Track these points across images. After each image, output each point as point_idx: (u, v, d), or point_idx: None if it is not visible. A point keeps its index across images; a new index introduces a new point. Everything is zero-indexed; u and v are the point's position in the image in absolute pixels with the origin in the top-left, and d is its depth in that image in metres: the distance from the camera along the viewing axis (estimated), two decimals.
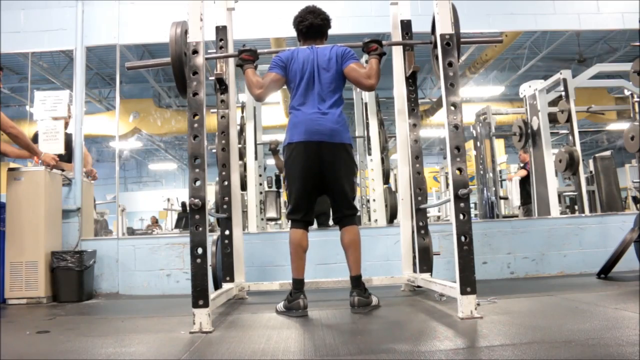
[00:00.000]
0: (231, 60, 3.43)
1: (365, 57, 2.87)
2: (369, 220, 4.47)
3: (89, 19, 4.43)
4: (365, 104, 4.62)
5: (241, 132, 4.57)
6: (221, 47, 3.33)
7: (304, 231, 2.74)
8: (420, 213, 3.31)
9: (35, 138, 4.04)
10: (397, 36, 3.47)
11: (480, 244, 4.12)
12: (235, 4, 3.51)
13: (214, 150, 3.51)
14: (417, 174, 3.34)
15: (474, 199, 5.88)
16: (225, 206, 3.28)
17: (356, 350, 1.77)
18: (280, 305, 2.70)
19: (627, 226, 3.78)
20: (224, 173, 3.30)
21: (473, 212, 5.84)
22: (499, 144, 8.02)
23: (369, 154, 4.50)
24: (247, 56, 2.77)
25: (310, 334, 2.12)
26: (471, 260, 2.30)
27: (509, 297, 2.94)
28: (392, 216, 4.37)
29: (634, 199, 7.33)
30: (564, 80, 4.93)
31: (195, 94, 2.40)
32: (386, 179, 4.58)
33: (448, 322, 2.22)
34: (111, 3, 4.45)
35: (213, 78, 3.30)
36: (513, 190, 6.60)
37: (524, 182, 6.27)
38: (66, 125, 4.11)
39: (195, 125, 2.35)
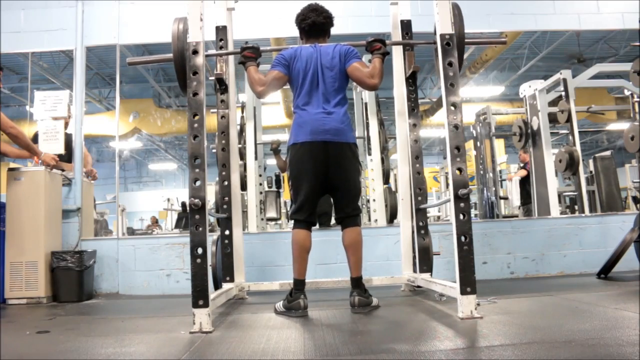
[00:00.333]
0: (231, 60, 3.43)
1: (367, 55, 2.86)
2: (369, 220, 4.47)
3: (89, 19, 4.43)
4: (366, 104, 4.62)
5: (241, 132, 4.57)
6: (221, 47, 3.33)
7: (308, 232, 2.73)
8: (420, 213, 3.31)
9: (35, 138, 4.04)
10: (397, 36, 3.47)
11: (480, 244, 4.12)
12: (235, 4, 3.51)
13: (214, 150, 3.50)
14: (417, 174, 3.34)
15: (474, 198, 5.88)
16: (225, 206, 3.28)
17: (356, 350, 1.77)
18: (280, 305, 2.70)
19: (627, 226, 3.78)
20: (224, 173, 3.30)
21: (473, 212, 5.84)
22: (499, 144, 8.02)
23: (369, 154, 4.50)
24: (250, 53, 2.76)
25: (311, 334, 2.12)
26: (471, 260, 2.30)
27: (509, 297, 2.94)
28: (392, 216, 4.37)
29: (634, 199, 7.32)
30: (564, 80, 4.93)
31: (195, 94, 2.40)
32: (386, 179, 4.58)
33: (448, 322, 2.22)
34: (111, 3, 4.45)
35: (213, 78, 3.29)
36: (513, 190, 6.59)
37: (524, 182, 6.27)
38: (66, 125, 4.11)
39: (195, 125, 2.35)
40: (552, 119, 5.10)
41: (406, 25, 3.41)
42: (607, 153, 5.89)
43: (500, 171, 6.81)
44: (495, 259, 4.18)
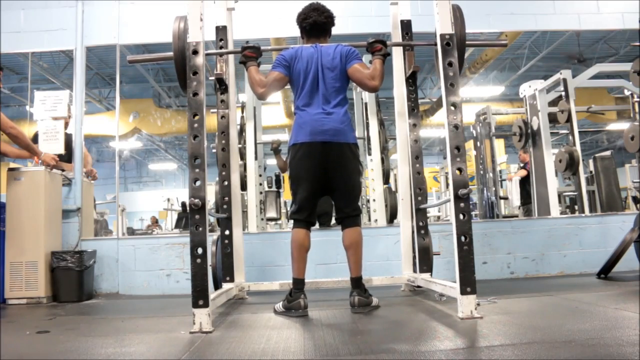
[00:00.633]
0: (231, 60, 3.43)
1: (367, 56, 2.86)
2: (369, 220, 4.47)
3: (89, 19, 4.43)
4: (366, 104, 4.62)
5: (241, 132, 4.57)
6: (221, 47, 3.33)
7: (307, 231, 2.74)
8: (420, 213, 3.31)
9: (35, 138, 4.04)
10: (397, 36, 3.47)
11: (480, 244, 4.12)
12: (235, 4, 3.51)
13: (214, 150, 3.50)
14: (417, 174, 3.34)
15: (474, 198, 5.88)
16: (225, 206, 3.28)
17: (356, 350, 1.77)
18: (279, 305, 2.70)
19: (627, 226, 3.78)
20: (224, 173, 3.30)
21: (473, 213, 5.84)
22: (499, 144, 8.01)
23: (369, 154, 4.50)
24: (250, 53, 2.76)
25: (310, 334, 2.12)
26: (471, 260, 2.30)
27: (509, 297, 2.94)
28: (392, 216, 4.37)
29: (634, 199, 7.32)
30: (564, 80, 4.93)
31: (195, 94, 2.40)
32: (386, 179, 4.58)
33: (448, 322, 2.22)
34: (111, 3, 4.45)
35: (213, 78, 3.29)
36: (513, 190, 6.59)
37: (524, 182, 6.27)
38: (66, 125, 4.11)
39: (195, 125, 2.35)
40: (552, 119, 5.10)
41: (406, 26, 3.41)
42: (607, 153, 5.89)
43: (500, 171, 6.81)
44: (495, 259, 4.18)
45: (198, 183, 2.31)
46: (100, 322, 2.81)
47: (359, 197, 2.90)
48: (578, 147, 4.84)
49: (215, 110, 3.40)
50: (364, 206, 4.93)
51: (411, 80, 3.39)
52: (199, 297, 2.23)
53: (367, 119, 4.57)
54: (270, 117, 7.49)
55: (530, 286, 3.62)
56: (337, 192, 2.77)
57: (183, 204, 2.41)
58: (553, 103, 5.20)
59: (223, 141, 3.33)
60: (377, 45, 2.75)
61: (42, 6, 4.42)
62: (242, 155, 4.38)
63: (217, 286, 3.25)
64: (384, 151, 4.58)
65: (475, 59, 6.98)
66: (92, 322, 2.85)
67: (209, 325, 2.21)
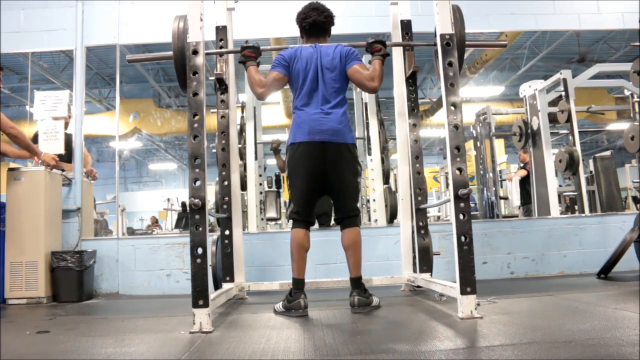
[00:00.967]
0: (231, 60, 3.43)
1: (367, 56, 2.86)
2: (369, 220, 4.47)
3: (89, 19, 4.43)
4: (366, 104, 4.62)
5: (241, 132, 4.57)
6: (221, 47, 3.33)
7: (306, 231, 2.74)
8: (420, 213, 3.31)
9: (35, 138, 4.04)
10: (397, 36, 3.47)
11: (480, 244, 4.12)
12: (235, 4, 3.51)
13: (214, 150, 3.50)
14: (417, 174, 3.34)
15: (474, 198, 5.87)
16: (225, 206, 3.28)
17: (356, 350, 1.77)
18: (279, 306, 2.70)
19: (627, 226, 3.78)
20: (224, 173, 3.30)
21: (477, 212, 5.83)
22: (499, 144, 8.02)
23: (369, 154, 4.50)
24: (250, 53, 2.76)
25: (310, 334, 2.12)
26: (471, 260, 2.30)
27: (509, 297, 2.94)
28: (392, 216, 4.37)
29: (634, 199, 7.33)
30: (564, 80, 4.93)
31: (195, 94, 2.40)
32: (386, 179, 4.58)
33: (448, 322, 2.22)
34: (111, 3, 4.45)
35: (213, 78, 3.29)
36: (513, 190, 6.59)
37: (524, 182, 6.26)
38: (66, 125, 4.11)
39: (195, 125, 2.35)
40: (552, 119, 5.10)
41: (406, 26, 3.41)
42: (607, 153, 5.88)
43: (500, 171, 6.81)
44: (495, 259, 4.18)
45: (198, 183, 2.31)
46: (100, 322, 2.81)
47: (358, 197, 2.90)
48: (578, 147, 4.84)
49: (215, 110, 3.40)
50: (364, 206, 4.93)
51: (411, 80, 3.39)
52: (199, 297, 2.23)
53: (367, 119, 4.57)
54: (270, 117, 7.49)
55: (530, 286, 3.62)
56: (335, 193, 2.77)
57: (183, 204, 2.41)
58: (553, 103, 5.20)
59: (223, 141, 3.33)
60: (377, 46, 2.75)
61: (42, 6, 4.42)
62: (242, 155, 4.38)
63: (217, 286, 3.25)
64: (384, 151, 4.58)
65: (475, 59, 6.98)
66: (92, 322, 2.85)
67: (209, 325, 2.21)
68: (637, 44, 3.99)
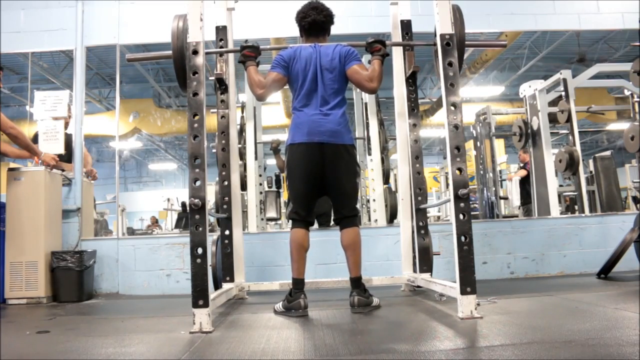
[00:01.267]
0: (231, 60, 3.43)
1: (367, 56, 2.86)
2: (369, 220, 4.47)
3: (89, 19, 4.43)
4: (366, 104, 4.62)
5: (241, 132, 4.57)
6: (221, 47, 3.33)
7: (306, 231, 2.74)
8: (420, 213, 3.31)
9: (35, 138, 4.04)
10: (397, 36, 3.47)
11: (480, 244, 4.12)
12: (235, 4, 3.51)
13: (214, 150, 3.50)
14: (417, 174, 3.34)
15: (476, 197, 5.87)
16: (225, 206, 3.28)
17: (356, 350, 1.77)
18: (279, 306, 2.70)
19: (627, 226, 3.78)
20: (224, 173, 3.30)
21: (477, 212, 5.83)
22: (499, 144, 8.01)
23: (369, 154, 4.50)
24: (249, 52, 2.76)
25: (310, 334, 2.12)
26: (471, 260, 2.30)
27: (509, 297, 2.94)
28: (392, 216, 4.37)
29: (634, 199, 7.32)
30: (564, 80, 4.93)
31: (195, 94, 2.40)
32: (386, 179, 4.58)
33: (448, 322, 2.22)
34: (111, 3, 4.45)
35: (213, 78, 3.29)
36: (513, 190, 6.59)
37: (524, 182, 6.27)
38: (66, 125, 4.11)
39: (195, 125, 2.35)
40: (552, 119, 5.10)
41: (406, 25, 3.41)
42: (607, 153, 5.88)
43: (500, 171, 6.81)
44: (495, 259, 4.18)
45: (198, 183, 2.31)
46: (100, 322, 2.81)
47: (357, 198, 2.91)
48: (578, 147, 4.84)
49: (215, 110, 3.40)
50: (364, 206, 4.93)
51: (411, 80, 3.39)
52: (199, 297, 2.23)
53: (367, 119, 4.57)
54: (270, 117, 7.49)
55: (530, 286, 3.62)
56: (334, 194, 2.77)
57: (183, 204, 2.41)
58: (553, 103, 5.20)
59: (223, 141, 3.33)
60: (376, 46, 2.75)
61: (42, 6, 4.42)
62: (242, 155, 4.38)
63: (217, 286, 3.25)
64: (384, 151, 4.58)
65: (475, 59, 6.97)
66: (92, 322, 2.85)
67: (209, 325, 2.21)
68: (637, 44, 3.99)
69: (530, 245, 4.21)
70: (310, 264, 2.78)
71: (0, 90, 3.79)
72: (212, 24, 3.33)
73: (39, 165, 3.79)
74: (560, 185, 5.83)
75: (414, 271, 3.37)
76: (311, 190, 2.75)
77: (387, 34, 3.85)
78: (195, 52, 2.43)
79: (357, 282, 2.71)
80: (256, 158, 4.59)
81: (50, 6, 4.42)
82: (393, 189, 4.82)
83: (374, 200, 4.32)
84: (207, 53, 2.61)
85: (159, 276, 4.11)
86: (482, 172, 5.80)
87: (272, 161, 5.59)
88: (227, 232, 3.28)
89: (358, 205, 2.89)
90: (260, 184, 5.04)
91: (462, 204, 2.35)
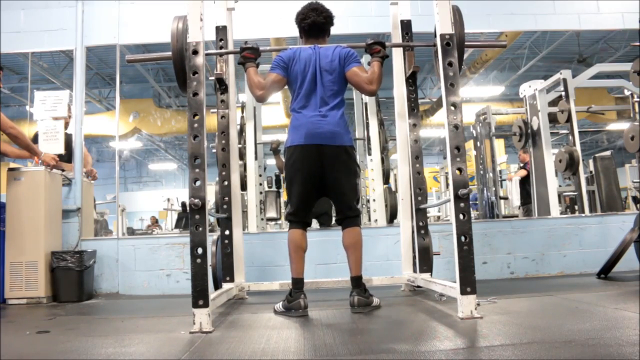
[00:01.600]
0: (231, 60, 3.43)
1: (367, 56, 2.86)
2: (369, 220, 4.47)
3: (89, 19, 4.43)
4: (365, 104, 4.62)
5: (241, 132, 4.57)
6: (221, 47, 3.33)
7: (303, 231, 2.75)
8: (420, 213, 3.31)
9: (35, 138, 4.04)
10: (397, 36, 3.47)
11: (480, 244, 4.12)
12: (235, 4, 3.51)
13: (214, 150, 3.50)
14: (417, 174, 3.34)
15: (476, 196, 5.87)
16: (225, 206, 3.28)
17: (356, 350, 1.77)
18: (279, 306, 2.70)
19: (627, 226, 3.78)
20: (224, 173, 3.30)
21: (475, 213, 5.84)
22: (499, 144, 8.02)
23: (369, 154, 4.50)
24: (249, 54, 2.75)
25: (310, 334, 2.12)
26: (471, 260, 2.30)
27: (509, 297, 2.94)
28: (392, 216, 4.37)
29: (634, 199, 7.33)
30: (564, 80, 4.93)
31: (195, 94, 2.40)
32: (386, 179, 4.58)
33: (448, 322, 2.22)
34: (111, 3, 4.45)
35: (213, 78, 3.29)
36: (513, 190, 6.60)
37: (524, 182, 6.27)
38: (66, 125, 4.11)
39: (195, 125, 2.35)
40: (552, 119, 5.10)
41: (406, 26, 3.41)
42: (607, 153, 5.88)
43: (500, 171, 6.81)
44: (495, 259, 4.18)
45: (198, 183, 2.31)
46: (100, 322, 2.81)
47: (358, 197, 2.91)
48: (578, 147, 4.84)
49: (215, 110, 3.40)
50: (364, 206, 4.92)
51: (411, 81, 3.39)
52: (199, 297, 2.23)
53: (367, 119, 4.57)
54: (270, 117, 7.49)
55: (530, 286, 3.62)
56: (335, 195, 2.78)
57: (183, 204, 2.41)
58: (553, 103, 5.20)
59: (223, 141, 3.33)
60: (376, 47, 2.74)
61: (42, 6, 4.42)
62: (242, 155, 4.38)
63: (217, 286, 3.25)
64: (384, 151, 4.58)
65: (475, 59, 6.98)
66: (92, 322, 2.85)
67: (209, 325, 2.21)
68: (637, 44, 3.99)
69: (530, 245, 4.21)
70: (310, 264, 2.78)
71: (0, 90, 3.79)
72: (212, 24, 3.33)
73: (39, 165, 3.79)
74: (560, 186, 5.82)
75: (414, 271, 3.37)
76: (310, 192, 2.75)
77: (387, 34, 3.85)
78: (195, 52, 2.43)
79: (357, 281, 2.71)
80: (256, 158, 4.59)
81: (50, 6, 4.42)
82: (393, 189, 4.82)
83: (374, 200, 4.32)
84: (207, 54, 2.61)
85: (159, 276, 4.11)
86: (482, 172, 5.80)
87: (272, 161, 5.59)
88: (227, 232, 3.28)
89: (359, 206, 2.89)
90: (260, 184, 5.04)
91: (462, 204, 2.35)
